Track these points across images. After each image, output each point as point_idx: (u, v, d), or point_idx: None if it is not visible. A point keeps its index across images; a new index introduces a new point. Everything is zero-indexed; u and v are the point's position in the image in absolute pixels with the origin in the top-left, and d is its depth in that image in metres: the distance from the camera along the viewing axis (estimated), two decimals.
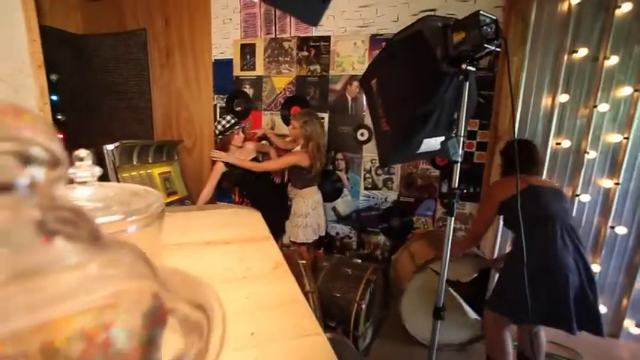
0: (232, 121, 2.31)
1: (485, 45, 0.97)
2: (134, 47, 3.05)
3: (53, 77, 2.89)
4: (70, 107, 3.02)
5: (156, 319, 0.22)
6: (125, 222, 0.45)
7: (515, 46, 2.01)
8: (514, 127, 1.86)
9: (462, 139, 1.07)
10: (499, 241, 2.22)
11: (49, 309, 0.16)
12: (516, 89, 2.01)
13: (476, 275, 1.87)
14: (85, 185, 0.46)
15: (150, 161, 2.36)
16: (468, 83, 1.04)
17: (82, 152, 0.46)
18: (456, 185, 1.12)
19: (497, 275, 1.74)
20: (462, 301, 1.89)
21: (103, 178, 2.09)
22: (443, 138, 1.14)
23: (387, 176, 2.46)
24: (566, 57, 1.94)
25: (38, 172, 0.17)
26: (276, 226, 2.68)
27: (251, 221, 1.28)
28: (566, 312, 1.36)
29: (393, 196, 2.48)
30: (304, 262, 1.64)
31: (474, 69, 1.04)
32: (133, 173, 2.15)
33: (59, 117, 2.91)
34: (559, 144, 2.02)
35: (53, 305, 0.16)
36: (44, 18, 2.98)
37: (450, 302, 1.87)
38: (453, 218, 1.14)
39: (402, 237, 2.47)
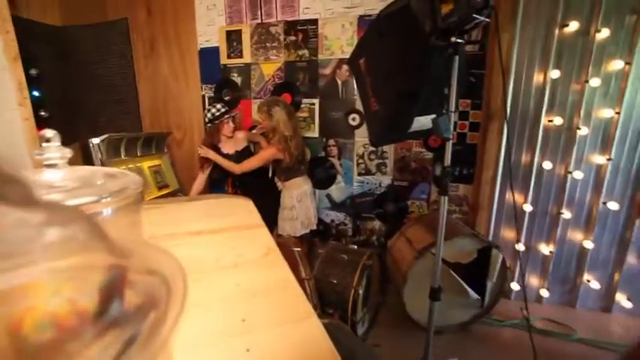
0: (222, 110, 2.26)
1: (475, 15, 0.94)
2: (117, 38, 2.96)
3: (33, 72, 2.79)
4: (54, 103, 2.93)
5: (112, 291, 0.20)
6: (99, 204, 0.43)
7: (506, 21, 1.98)
8: (505, 104, 1.85)
9: (452, 115, 1.04)
10: (494, 219, 2.23)
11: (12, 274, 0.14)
12: (507, 66, 1.99)
13: (475, 256, 1.88)
14: (54, 168, 0.43)
15: (138, 154, 2.31)
16: (457, 57, 1.01)
17: (49, 132, 0.43)
18: (449, 164, 1.10)
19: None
20: (462, 281, 1.90)
21: None
22: (434, 116, 1.12)
23: (380, 161, 2.44)
24: (557, 31, 1.91)
25: None
26: (270, 217, 2.66)
27: (243, 210, 1.26)
28: None
29: (386, 180, 2.47)
30: (299, 249, 1.62)
31: (462, 41, 1.00)
32: (121, 167, 2.09)
33: (42, 113, 2.82)
34: (551, 121, 2.01)
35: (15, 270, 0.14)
36: (19, 9, 2.86)
37: (450, 284, 1.88)
38: (446, 198, 1.13)
39: (397, 222, 2.47)
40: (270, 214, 2.64)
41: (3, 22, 1.77)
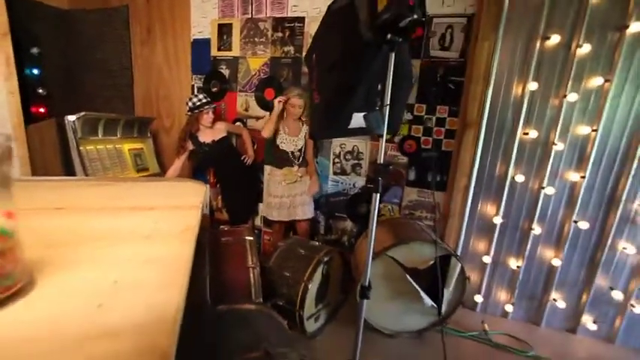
0: (204, 100, 2.30)
1: (409, 14, 0.94)
2: (117, 24, 3.05)
3: (34, 50, 2.90)
4: (54, 82, 3.03)
5: None
6: None
7: (487, 30, 1.96)
8: (482, 114, 1.81)
9: (387, 110, 1.04)
10: (465, 229, 2.20)
11: None
12: (486, 75, 1.96)
13: (433, 262, 1.85)
14: None
15: (118, 136, 2.37)
16: (393, 55, 1.02)
17: None
18: (382, 161, 1.10)
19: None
20: (418, 288, 1.88)
21: (65, 149, 2.08)
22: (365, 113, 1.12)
23: (356, 162, 2.44)
24: (538, 43, 1.87)
25: None
26: (248, 208, 2.69)
27: (191, 193, 1.31)
28: None
29: (360, 182, 2.46)
30: (251, 238, 1.64)
31: (400, 39, 1.00)
32: (99, 147, 2.16)
33: (40, 91, 2.92)
34: (527, 134, 1.97)
35: None
36: None
37: (407, 289, 1.86)
38: (378, 195, 1.12)
39: (367, 223, 2.44)
40: (247, 204, 2.68)
41: None
